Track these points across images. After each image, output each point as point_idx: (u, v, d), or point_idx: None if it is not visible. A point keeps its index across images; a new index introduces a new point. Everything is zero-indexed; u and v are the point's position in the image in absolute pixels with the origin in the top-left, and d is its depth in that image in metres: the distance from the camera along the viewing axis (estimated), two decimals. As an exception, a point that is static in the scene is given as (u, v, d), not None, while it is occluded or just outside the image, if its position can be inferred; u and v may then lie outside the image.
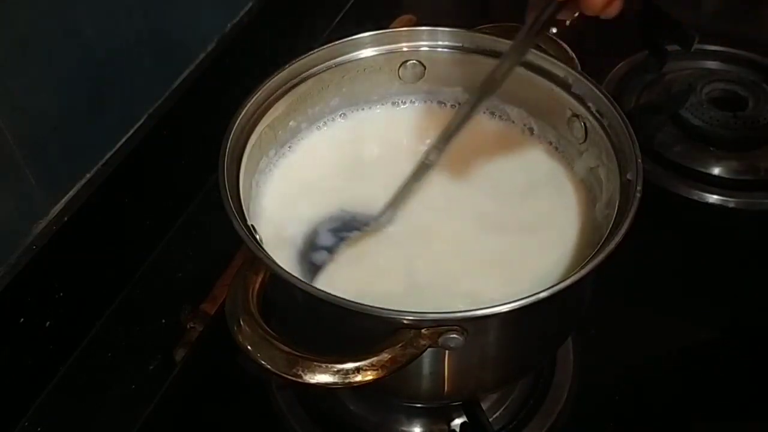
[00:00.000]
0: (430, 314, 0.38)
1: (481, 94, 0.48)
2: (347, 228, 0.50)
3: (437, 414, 0.57)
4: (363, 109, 0.58)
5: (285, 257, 0.49)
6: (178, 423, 0.59)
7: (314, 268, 0.48)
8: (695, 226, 0.70)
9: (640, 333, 0.62)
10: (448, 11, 0.96)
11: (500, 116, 0.57)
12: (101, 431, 0.58)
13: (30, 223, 0.57)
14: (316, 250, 0.49)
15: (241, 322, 0.39)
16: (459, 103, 0.58)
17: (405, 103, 0.59)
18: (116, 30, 0.61)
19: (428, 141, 0.57)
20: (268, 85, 0.50)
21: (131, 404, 0.59)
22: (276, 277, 0.40)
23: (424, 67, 0.56)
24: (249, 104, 0.49)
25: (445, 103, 0.59)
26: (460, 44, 0.54)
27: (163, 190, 0.70)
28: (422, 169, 0.50)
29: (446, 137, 0.49)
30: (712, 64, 0.84)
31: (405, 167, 0.55)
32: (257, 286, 0.40)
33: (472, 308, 0.38)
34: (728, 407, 0.59)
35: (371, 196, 0.53)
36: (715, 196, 0.70)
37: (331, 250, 0.49)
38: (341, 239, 0.50)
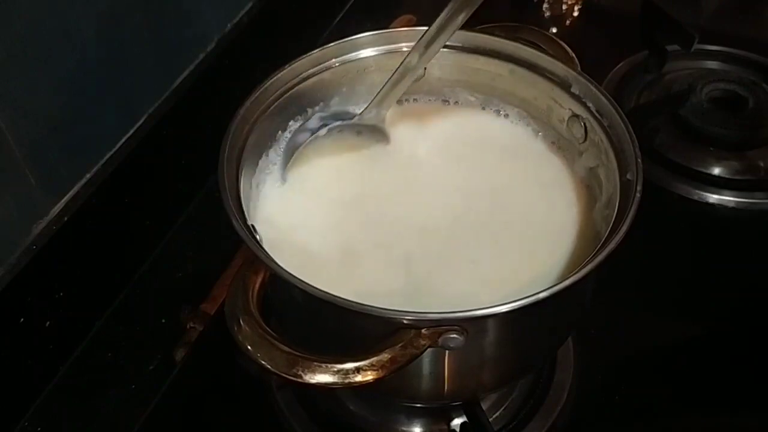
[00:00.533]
0: (430, 314, 0.38)
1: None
2: (336, 117, 0.54)
3: (437, 414, 0.57)
4: (363, 109, 0.58)
5: (286, 257, 0.49)
6: (178, 423, 0.58)
7: (292, 148, 0.53)
8: (695, 226, 0.70)
9: (640, 333, 0.62)
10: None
11: (500, 116, 0.57)
12: (101, 431, 0.59)
13: (30, 223, 0.57)
14: (303, 131, 0.54)
15: (241, 322, 0.38)
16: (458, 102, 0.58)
17: (405, 102, 0.59)
18: (116, 30, 0.61)
19: (427, 139, 0.57)
20: (268, 85, 0.50)
21: (131, 404, 0.59)
22: (276, 277, 0.40)
23: (424, 67, 0.56)
24: (249, 104, 0.49)
25: (448, 101, 0.59)
26: (460, 44, 0.54)
27: (163, 190, 0.70)
28: (403, 72, 0.51)
29: (427, 42, 0.49)
30: (712, 64, 0.84)
31: (406, 166, 0.55)
32: (257, 286, 0.40)
33: (472, 308, 0.38)
34: (728, 407, 0.59)
35: (374, 195, 0.53)
36: (715, 196, 0.70)
37: (313, 132, 0.53)
38: (326, 125, 0.54)
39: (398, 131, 0.58)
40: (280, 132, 0.54)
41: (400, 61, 0.51)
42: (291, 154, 0.53)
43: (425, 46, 0.50)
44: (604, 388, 0.59)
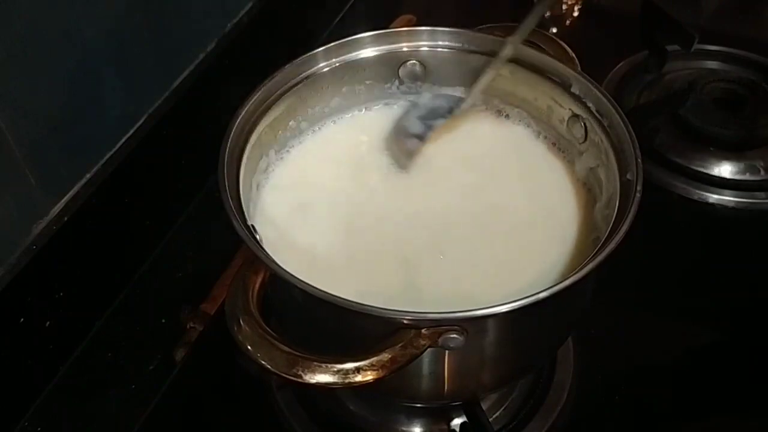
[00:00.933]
0: (430, 314, 0.38)
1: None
2: (434, 116, 0.54)
3: (437, 414, 0.57)
4: (363, 109, 0.58)
5: (285, 257, 0.49)
6: (178, 423, 0.58)
7: (410, 153, 0.54)
8: (695, 226, 0.70)
9: (640, 333, 0.62)
10: (448, 11, 0.96)
11: (500, 116, 0.57)
12: (101, 431, 0.59)
13: (30, 223, 0.57)
14: (408, 137, 0.54)
15: (241, 322, 0.38)
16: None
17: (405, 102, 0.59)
18: (116, 30, 0.61)
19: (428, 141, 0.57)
20: (268, 85, 0.50)
21: (131, 404, 0.59)
22: (276, 277, 0.40)
23: (424, 67, 0.56)
24: (249, 104, 0.49)
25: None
26: (460, 44, 0.54)
27: (163, 190, 0.70)
28: (498, 64, 0.52)
29: (522, 34, 0.51)
30: (712, 64, 0.84)
31: (406, 165, 0.55)
32: (257, 286, 0.40)
33: (472, 308, 0.38)
34: (729, 407, 0.59)
35: (374, 195, 0.53)
36: (715, 196, 0.70)
37: (421, 137, 0.54)
38: (429, 127, 0.54)
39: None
40: (280, 132, 0.54)
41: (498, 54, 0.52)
42: (407, 158, 0.54)
43: (519, 38, 0.51)
44: (604, 388, 0.59)
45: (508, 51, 0.51)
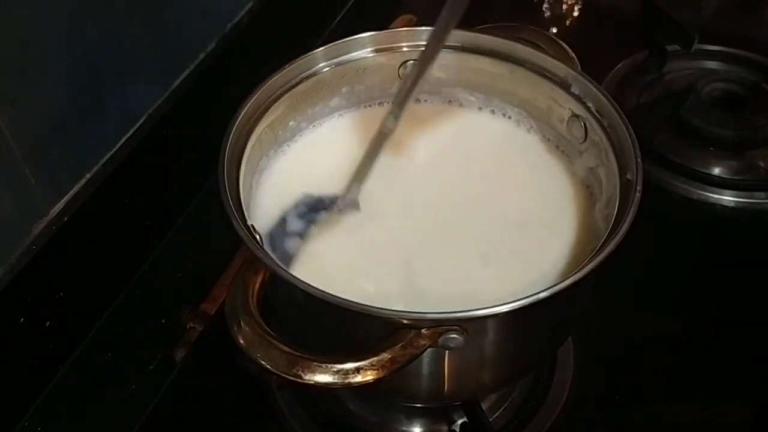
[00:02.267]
0: (430, 314, 0.38)
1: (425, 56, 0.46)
2: (315, 210, 0.50)
3: (437, 414, 0.57)
4: (363, 109, 0.58)
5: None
6: (178, 423, 0.58)
7: (287, 257, 0.48)
8: (695, 226, 0.70)
9: (640, 333, 0.62)
10: (448, 11, 0.96)
11: (500, 116, 0.57)
12: (101, 431, 0.58)
13: (30, 223, 0.57)
14: (288, 236, 0.49)
15: (241, 322, 0.39)
16: (459, 102, 0.58)
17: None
18: (116, 30, 0.61)
19: (427, 139, 0.57)
20: (268, 85, 0.50)
21: (131, 404, 0.59)
22: (276, 277, 0.40)
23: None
24: (249, 104, 0.49)
25: (448, 101, 0.59)
26: (460, 44, 0.54)
27: (163, 190, 0.70)
28: (381, 138, 0.48)
29: (400, 102, 0.47)
30: (712, 64, 0.84)
31: (406, 166, 0.55)
32: (257, 286, 0.40)
33: (472, 308, 0.38)
34: (729, 407, 0.59)
35: (374, 195, 0.53)
36: (715, 196, 0.70)
37: (302, 235, 0.49)
38: (310, 222, 0.50)
39: (398, 132, 0.58)
40: (280, 132, 0.54)
41: (378, 127, 0.48)
42: (287, 262, 0.48)
43: (400, 107, 0.47)
44: (604, 388, 0.59)
45: (387, 123, 0.48)
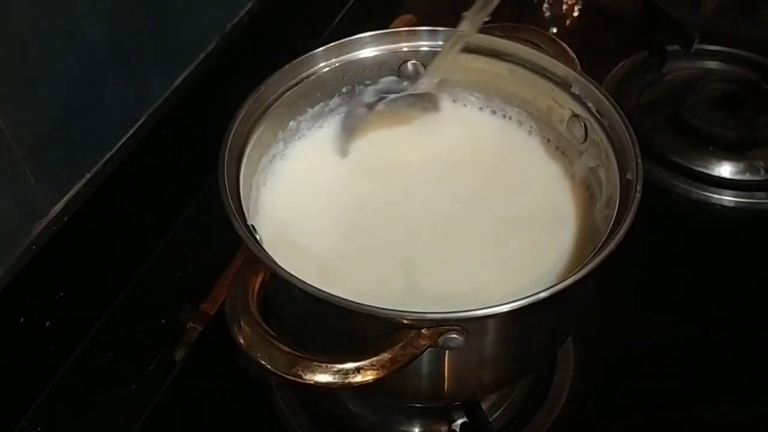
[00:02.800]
0: (430, 314, 0.38)
1: None
2: (390, 90, 0.55)
3: (437, 414, 0.57)
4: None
5: (286, 257, 0.49)
6: (178, 423, 0.58)
7: (350, 125, 0.55)
8: (695, 226, 0.70)
9: (640, 333, 0.62)
10: (448, 11, 0.96)
11: (500, 116, 0.57)
12: (101, 431, 0.58)
13: (30, 223, 0.57)
14: (359, 106, 0.55)
15: (241, 322, 0.39)
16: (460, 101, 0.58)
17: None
18: (116, 30, 0.61)
19: (427, 139, 0.57)
20: (268, 85, 0.50)
21: (131, 404, 0.59)
22: (276, 277, 0.40)
23: (424, 67, 0.56)
24: (249, 104, 0.49)
25: (448, 101, 0.59)
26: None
27: (163, 190, 0.70)
28: (455, 41, 0.52)
29: (479, 8, 0.51)
30: (712, 64, 0.84)
31: (406, 166, 0.55)
32: (257, 286, 0.40)
33: (472, 308, 0.38)
34: (729, 407, 0.59)
35: (374, 195, 0.53)
36: (716, 196, 0.70)
37: (371, 106, 0.54)
38: (381, 98, 0.54)
39: (399, 131, 0.58)
40: (280, 132, 0.54)
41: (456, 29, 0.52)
42: (351, 128, 0.55)
43: (477, 11, 0.51)
44: (604, 388, 0.59)
45: (464, 27, 0.52)
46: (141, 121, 0.66)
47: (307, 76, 0.53)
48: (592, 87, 0.49)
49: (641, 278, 0.65)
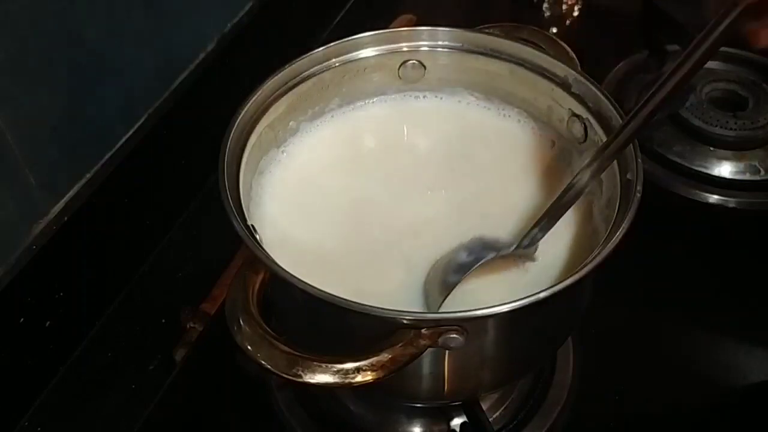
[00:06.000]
0: (430, 314, 0.38)
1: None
2: (486, 248, 0.48)
3: (437, 414, 0.57)
4: (363, 109, 0.58)
5: (286, 257, 0.49)
6: (178, 423, 0.59)
7: (447, 287, 0.46)
8: (695, 226, 0.70)
9: (640, 333, 0.62)
10: (448, 11, 0.96)
11: (500, 115, 0.57)
12: (101, 431, 0.58)
13: (30, 223, 0.57)
14: (453, 270, 0.47)
15: (241, 322, 0.39)
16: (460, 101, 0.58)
17: (405, 102, 0.59)
18: (116, 30, 0.61)
19: (427, 139, 0.57)
20: (268, 85, 0.50)
21: (131, 404, 0.59)
22: (276, 277, 0.40)
23: (424, 67, 0.56)
24: (249, 104, 0.49)
25: (448, 101, 0.59)
26: (460, 44, 0.54)
27: (163, 190, 0.70)
28: (571, 193, 0.46)
29: (600, 160, 0.44)
30: (712, 64, 0.83)
31: (406, 166, 0.55)
32: (257, 286, 0.40)
33: (472, 308, 0.38)
34: (729, 406, 0.59)
35: (374, 195, 0.53)
36: (715, 196, 0.70)
37: (467, 268, 0.46)
38: (478, 259, 0.47)
39: (399, 131, 0.58)
40: (280, 132, 0.54)
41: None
42: (447, 289, 0.46)
43: (595, 162, 0.44)
44: (604, 388, 0.59)
45: (581, 177, 0.45)
46: (141, 121, 0.66)
47: (307, 76, 0.53)
48: (592, 87, 0.49)
49: (641, 278, 0.65)
